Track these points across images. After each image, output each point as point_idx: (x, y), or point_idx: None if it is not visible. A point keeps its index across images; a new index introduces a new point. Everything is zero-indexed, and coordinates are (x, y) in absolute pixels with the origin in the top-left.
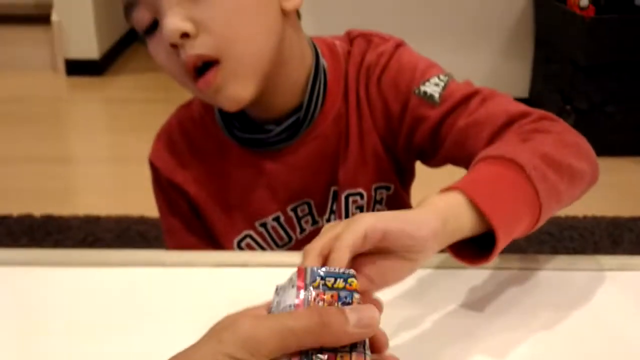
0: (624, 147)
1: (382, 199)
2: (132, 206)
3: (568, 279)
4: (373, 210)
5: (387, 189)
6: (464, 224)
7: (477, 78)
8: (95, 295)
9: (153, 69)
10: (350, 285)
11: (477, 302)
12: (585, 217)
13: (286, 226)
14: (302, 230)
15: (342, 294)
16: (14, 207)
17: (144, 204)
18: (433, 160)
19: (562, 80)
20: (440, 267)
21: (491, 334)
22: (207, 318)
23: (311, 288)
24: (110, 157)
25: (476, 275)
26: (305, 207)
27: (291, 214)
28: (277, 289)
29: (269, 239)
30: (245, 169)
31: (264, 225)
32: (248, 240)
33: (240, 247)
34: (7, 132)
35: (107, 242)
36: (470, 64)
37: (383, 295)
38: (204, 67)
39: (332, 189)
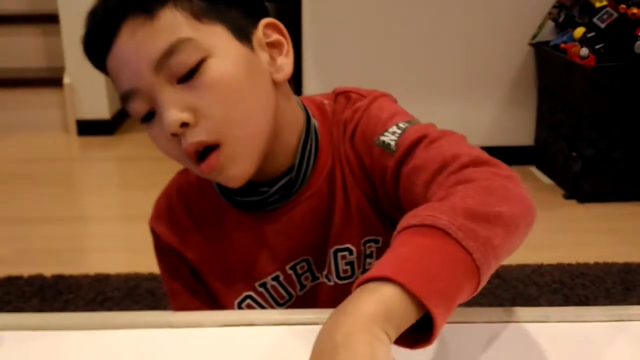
0: (632, 193)
1: (372, 252)
2: (142, 264)
3: (579, 330)
4: (364, 265)
5: (376, 242)
6: (403, 321)
7: (482, 127)
8: (103, 357)
9: None
10: None
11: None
12: (596, 264)
13: (286, 284)
14: (303, 286)
15: None
16: (25, 268)
17: (153, 261)
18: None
19: (567, 127)
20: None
21: None
22: None
23: None
24: (120, 215)
25: (481, 331)
26: (305, 264)
27: (290, 272)
28: None
29: (269, 298)
30: (243, 231)
31: (263, 285)
32: (248, 301)
33: (240, 308)
34: (19, 193)
35: (116, 301)
36: (475, 114)
37: None
38: (205, 150)
39: (328, 245)
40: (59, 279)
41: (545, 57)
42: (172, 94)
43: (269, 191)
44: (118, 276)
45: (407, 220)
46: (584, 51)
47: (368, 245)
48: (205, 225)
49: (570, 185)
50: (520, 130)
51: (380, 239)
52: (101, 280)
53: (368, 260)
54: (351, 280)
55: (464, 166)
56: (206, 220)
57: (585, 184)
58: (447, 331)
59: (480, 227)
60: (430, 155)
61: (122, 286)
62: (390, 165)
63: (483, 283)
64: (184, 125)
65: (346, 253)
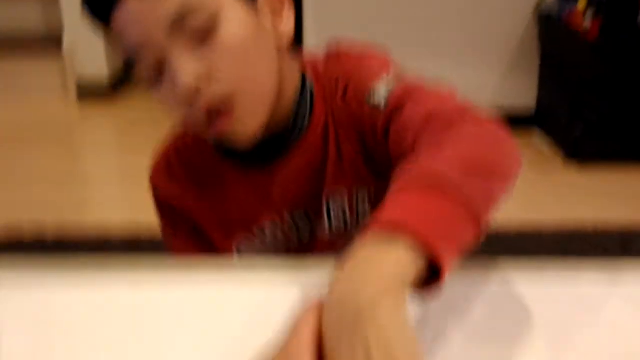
0: (632, 156)
1: (364, 200)
2: (142, 225)
3: (572, 283)
4: (357, 213)
5: (367, 190)
6: (416, 277)
7: (484, 90)
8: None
9: None
10: None
11: (477, 302)
12: (594, 225)
13: (283, 232)
14: (299, 237)
15: None
16: (25, 229)
17: (153, 223)
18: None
19: (569, 93)
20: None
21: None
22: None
23: None
24: (121, 177)
25: (473, 281)
26: (301, 214)
27: (289, 219)
28: None
29: (267, 242)
30: (241, 186)
31: (262, 230)
32: (247, 241)
33: (239, 250)
34: (19, 156)
35: None
36: (477, 78)
37: None
38: (215, 112)
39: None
40: (59, 239)
41: (549, 27)
42: (185, 51)
43: (265, 145)
44: (118, 238)
45: (406, 170)
46: (587, 22)
47: (360, 194)
48: (203, 183)
49: (571, 149)
50: (522, 94)
51: (372, 187)
52: (101, 242)
53: (360, 209)
54: (344, 228)
55: (451, 117)
56: (204, 178)
57: (586, 147)
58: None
59: (478, 178)
60: (417, 110)
61: (122, 247)
62: (380, 122)
63: (483, 233)
64: (197, 81)
65: (339, 202)
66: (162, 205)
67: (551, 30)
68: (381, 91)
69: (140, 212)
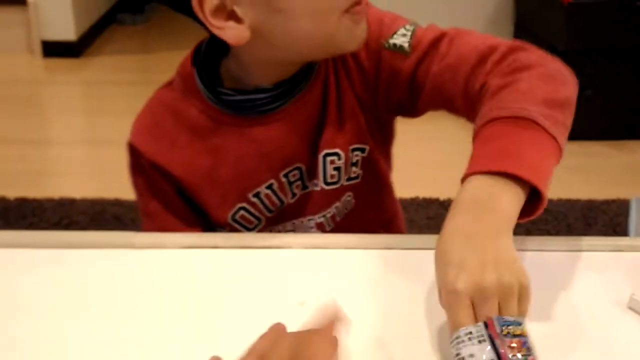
0: (600, 132)
1: (357, 161)
2: (108, 189)
3: (540, 259)
4: (349, 174)
5: (362, 150)
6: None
7: None
8: (64, 277)
9: (131, 51)
10: (522, 330)
11: None
12: (559, 200)
13: (279, 192)
14: (294, 195)
15: (522, 339)
16: None
17: (120, 186)
18: (413, 111)
19: None
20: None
21: None
22: (176, 299)
23: (504, 337)
24: (86, 139)
25: None
26: (297, 172)
27: (284, 179)
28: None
29: (262, 208)
30: (236, 138)
31: (257, 195)
32: (242, 212)
33: (235, 221)
34: None
35: (82, 225)
36: None
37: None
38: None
39: (319, 150)
40: (22, 202)
41: None
42: None
43: (269, 91)
44: (84, 200)
45: (497, 110)
46: None
47: (355, 153)
48: (194, 137)
49: None
50: None
51: (367, 147)
52: (66, 204)
53: (353, 168)
54: (337, 186)
55: (507, 54)
56: (197, 132)
57: None
58: (406, 256)
59: (556, 113)
60: (462, 51)
61: (87, 210)
62: (404, 66)
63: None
64: None
65: (335, 158)
66: (143, 167)
67: None
68: (402, 36)
69: (104, 173)
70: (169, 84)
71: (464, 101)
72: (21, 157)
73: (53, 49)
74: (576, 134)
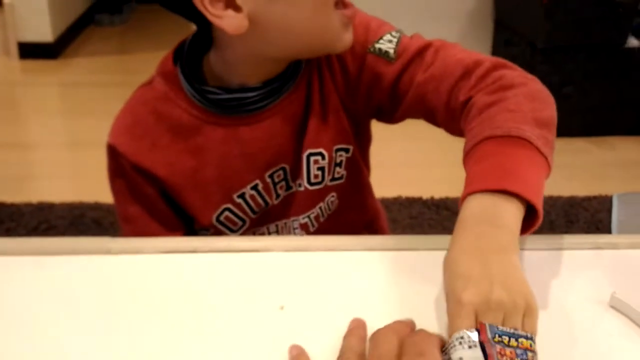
0: (580, 128)
1: (341, 161)
2: (87, 192)
3: (520, 258)
4: (334, 172)
5: (347, 151)
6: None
7: None
8: (40, 283)
9: (109, 52)
10: (521, 344)
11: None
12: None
13: (264, 193)
14: (278, 196)
15: (518, 351)
16: None
17: (99, 189)
18: (392, 117)
19: (521, 62)
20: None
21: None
22: (155, 305)
23: (494, 343)
24: (65, 142)
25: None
26: (281, 172)
27: (268, 180)
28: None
29: (246, 209)
30: (220, 137)
31: (242, 196)
32: (227, 213)
33: (219, 222)
34: None
35: (60, 230)
36: None
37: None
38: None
39: (302, 149)
40: (0, 206)
41: None
42: None
43: (256, 90)
44: (62, 205)
45: (490, 129)
46: None
47: (339, 153)
48: (178, 137)
49: None
50: None
51: (351, 148)
52: (44, 209)
53: (337, 168)
54: (321, 186)
55: (491, 70)
56: (180, 131)
57: None
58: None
59: (545, 132)
60: (447, 63)
61: (66, 215)
62: (388, 72)
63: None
64: None
65: (319, 157)
66: (124, 169)
67: None
68: (388, 42)
69: (83, 176)
70: (149, 83)
71: (445, 112)
72: None
73: (30, 51)
74: (557, 132)
